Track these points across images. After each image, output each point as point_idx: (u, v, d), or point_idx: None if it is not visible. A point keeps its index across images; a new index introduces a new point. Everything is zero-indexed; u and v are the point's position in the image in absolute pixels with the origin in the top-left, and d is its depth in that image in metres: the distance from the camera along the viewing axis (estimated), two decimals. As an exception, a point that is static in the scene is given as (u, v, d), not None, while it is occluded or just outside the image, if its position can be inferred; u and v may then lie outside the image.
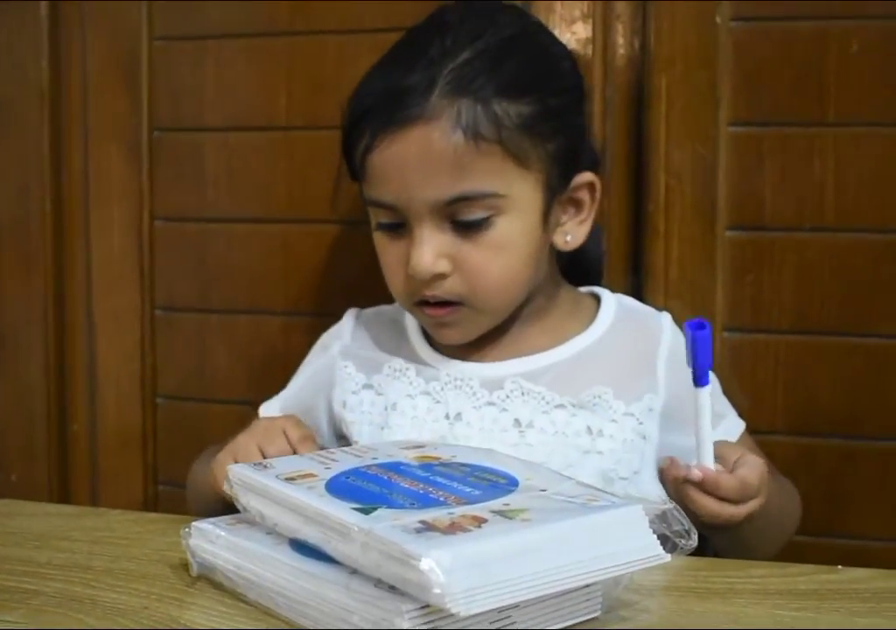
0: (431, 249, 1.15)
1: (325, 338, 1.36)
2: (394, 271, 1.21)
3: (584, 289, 1.32)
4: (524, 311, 1.25)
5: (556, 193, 1.20)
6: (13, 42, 1.61)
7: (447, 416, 1.21)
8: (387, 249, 1.21)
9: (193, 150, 1.58)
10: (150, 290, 1.60)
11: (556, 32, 1.42)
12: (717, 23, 1.38)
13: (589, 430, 1.19)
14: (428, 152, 1.13)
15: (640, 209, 1.41)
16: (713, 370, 1.25)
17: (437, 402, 1.22)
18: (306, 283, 1.54)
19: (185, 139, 1.58)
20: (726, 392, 1.35)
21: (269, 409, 1.33)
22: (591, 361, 1.23)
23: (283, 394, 1.35)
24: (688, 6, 1.39)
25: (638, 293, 1.41)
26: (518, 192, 1.16)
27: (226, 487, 0.94)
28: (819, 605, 0.92)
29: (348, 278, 1.51)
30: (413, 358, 1.27)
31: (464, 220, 1.15)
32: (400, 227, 1.18)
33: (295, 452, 1.10)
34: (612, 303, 1.28)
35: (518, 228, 1.17)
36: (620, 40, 1.43)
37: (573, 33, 1.43)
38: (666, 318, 1.27)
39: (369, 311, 1.36)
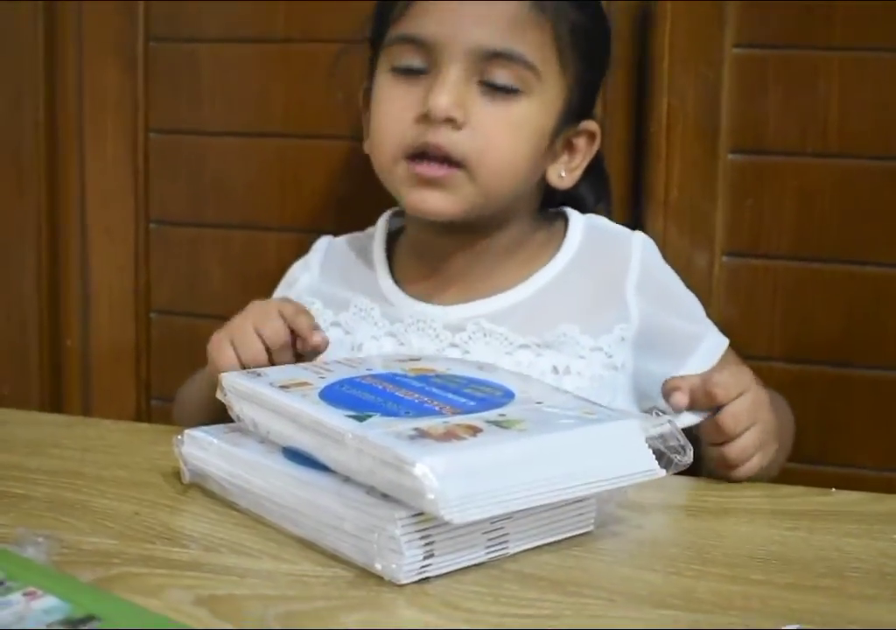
0: (454, 92, 1.12)
1: (295, 269, 1.35)
2: (396, 118, 1.16)
3: (553, 210, 1.30)
4: (493, 244, 1.23)
5: (567, 122, 1.20)
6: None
7: None
8: (394, 94, 1.17)
9: (189, 61, 1.55)
10: (143, 203, 1.58)
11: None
12: (724, -57, 1.36)
13: (555, 369, 1.17)
14: (491, 2, 1.14)
15: (642, 130, 1.39)
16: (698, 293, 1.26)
17: (401, 344, 1.21)
18: (301, 199, 1.52)
19: (181, 50, 1.56)
20: (723, 316, 1.35)
21: None
22: (555, 296, 1.21)
23: None
24: (695, -76, 1.36)
25: (637, 214, 1.40)
26: (549, 85, 1.16)
27: (219, 395, 0.94)
28: (811, 525, 0.92)
29: (344, 195, 1.50)
30: (378, 296, 1.25)
31: (495, 81, 1.14)
32: (420, 72, 1.15)
33: (291, 330, 1.09)
34: (580, 226, 1.26)
35: (535, 119, 1.16)
36: (626, -43, 1.41)
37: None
38: (637, 238, 1.25)
39: (340, 239, 1.35)
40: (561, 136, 1.21)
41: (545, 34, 1.15)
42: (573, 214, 1.27)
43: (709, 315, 1.28)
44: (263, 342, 1.08)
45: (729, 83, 1.37)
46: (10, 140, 1.62)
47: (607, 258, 1.23)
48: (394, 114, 1.16)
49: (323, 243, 1.34)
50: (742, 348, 1.31)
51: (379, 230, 1.31)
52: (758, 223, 1.39)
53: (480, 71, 1.13)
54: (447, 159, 1.13)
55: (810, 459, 1.38)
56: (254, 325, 1.09)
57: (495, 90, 1.14)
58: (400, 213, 1.31)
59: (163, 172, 1.58)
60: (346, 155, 1.49)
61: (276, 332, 1.08)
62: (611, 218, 1.31)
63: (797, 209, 1.38)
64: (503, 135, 1.14)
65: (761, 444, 1.02)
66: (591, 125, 1.24)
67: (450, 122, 1.12)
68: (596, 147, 1.25)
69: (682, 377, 1.03)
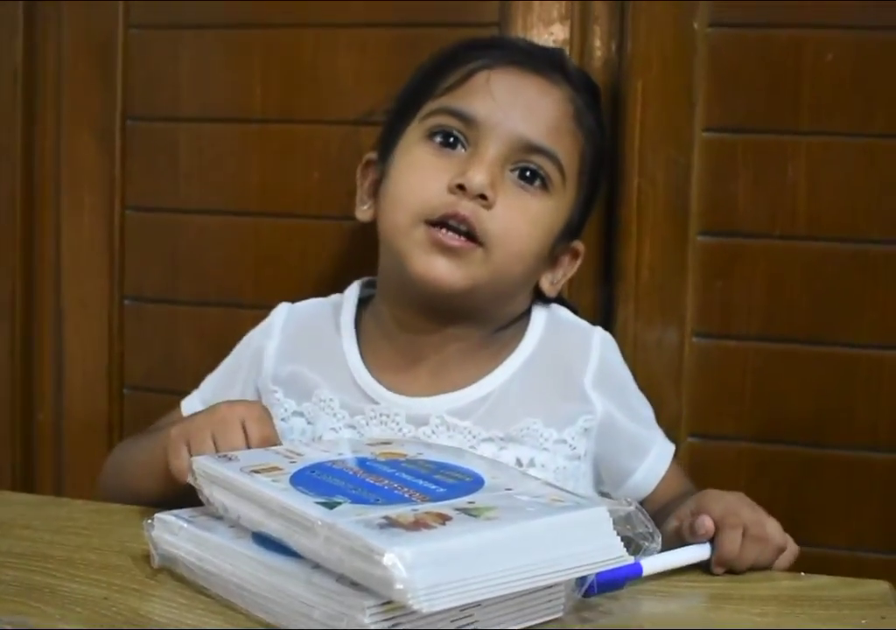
0: (491, 173, 1.15)
1: (255, 337, 1.32)
2: (425, 183, 1.17)
3: None
4: (467, 334, 1.23)
5: (565, 234, 1.24)
6: (-12, 26, 1.59)
7: None
8: (426, 161, 1.19)
9: (167, 140, 1.57)
10: (119, 279, 1.59)
11: (534, 33, 1.43)
12: (694, 28, 1.38)
13: (518, 461, 1.17)
14: (544, 99, 1.20)
15: (613, 212, 1.41)
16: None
17: (362, 436, 1.19)
18: (277, 276, 1.53)
19: (158, 129, 1.57)
20: (693, 396, 1.36)
21: (191, 405, 1.32)
22: (518, 389, 1.21)
23: (206, 387, 1.34)
24: (665, 10, 1.39)
25: (608, 296, 1.41)
26: (567, 191, 1.21)
27: (189, 479, 0.94)
28: (781, 610, 0.92)
29: (319, 273, 1.51)
30: (342, 378, 1.23)
31: (528, 174, 1.18)
32: (456, 143, 1.18)
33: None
34: (542, 318, 1.26)
35: (551, 219, 1.20)
36: (597, 42, 1.43)
37: (550, 34, 1.43)
38: (597, 335, 1.25)
39: (302, 306, 1.33)
40: (558, 246, 1.24)
41: (577, 144, 1.22)
42: (536, 306, 1.28)
43: (679, 395, 1.30)
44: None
45: (699, 166, 1.39)
46: (-14, 214, 1.62)
47: (567, 352, 1.24)
48: (424, 179, 1.17)
49: (283, 311, 1.32)
50: (712, 428, 1.32)
51: (348, 300, 1.30)
52: (728, 304, 1.40)
53: (516, 160, 1.18)
54: (467, 234, 1.15)
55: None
56: (213, 433, 1.05)
57: (526, 181, 1.18)
58: (373, 284, 1.31)
59: (138, 249, 1.59)
60: (321, 233, 1.50)
61: (233, 448, 1.03)
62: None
63: (766, 290, 1.40)
64: (525, 224, 1.17)
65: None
66: (578, 245, 1.28)
67: (481, 198, 1.14)
68: (576, 267, 1.28)
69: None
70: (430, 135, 1.20)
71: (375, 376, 1.22)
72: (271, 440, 1.06)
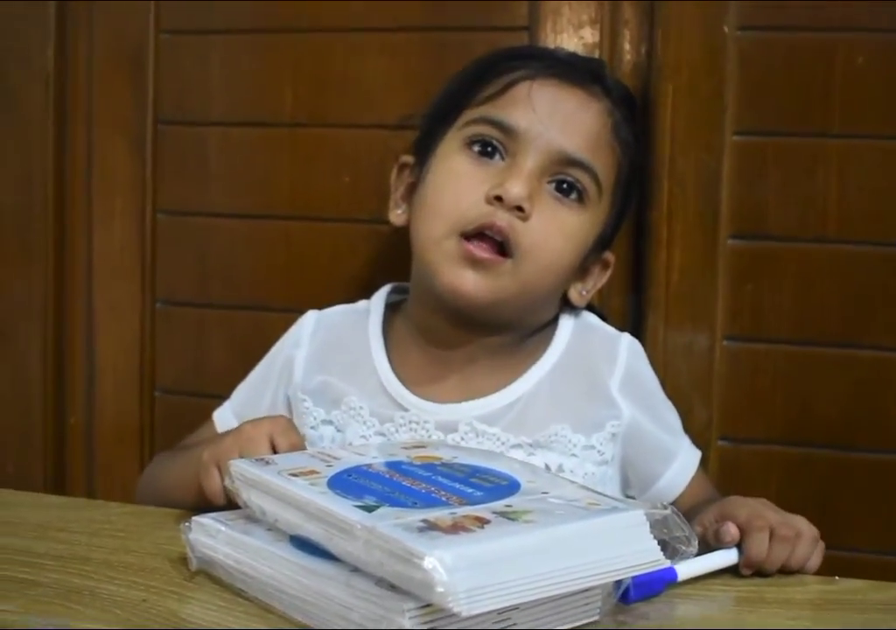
0: (530, 185, 1.15)
1: (285, 346, 1.32)
2: (462, 193, 1.17)
3: None
4: (496, 343, 1.23)
5: (597, 246, 1.24)
6: (20, 30, 1.60)
7: None
8: (463, 170, 1.19)
9: (197, 144, 1.57)
10: (150, 283, 1.59)
11: (563, 36, 1.43)
12: (724, 31, 1.38)
13: (547, 467, 1.17)
14: (584, 112, 1.19)
15: (644, 215, 1.41)
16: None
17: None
18: (307, 280, 1.54)
19: (189, 133, 1.58)
20: (723, 399, 1.36)
21: (222, 417, 1.33)
22: (546, 395, 1.21)
23: (237, 398, 1.34)
24: (695, 13, 1.39)
25: (638, 300, 1.41)
26: (602, 204, 1.21)
27: (227, 482, 0.95)
28: (815, 615, 0.92)
29: (349, 276, 1.51)
30: (371, 385, 1.23)
31: (565, 187, 1.18)
32: (495, 153, 1.18)
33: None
34: (569, 325, 1.26)
35: (585, 232, 1.20)
36: (627, 46, 1.43)
37: (580, 38, 1.43)
38: (624, 341, 1.26)
39: (330, 313, 1.33)
40: (589, 258, 1.24)
41: (614, 158, 1.22)
42: (563, 313, 1.28)
43: (709, 398, 1.29)
44: None
45: (729, 169, 1.39)
46: (18, 218, 1.63)
47: (594, 357, 1.24)
48: (461, 189, 1.17)
49: (311, 319, 1.32)
50: (743, 432, 1.32)
51: (376, 306, 1.30)
52: (758, 308, 1.40)
53: (554, 172, 1.17)
54: (500, 246, 1.15)
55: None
56: (241, 452, 1.05)
57: (563, 194, 1.18)
58: (401, 290, 1.31)
59: (169, 253, 1.59)
60: (351, 237, 1.51)
61: None
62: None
63: (797, 294, 1.39)
64: (559, 237, 1.17)
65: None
66: (609, 256, 1.28)
67: (518, 210, 1.14)
68: (606, 278, 1.29)
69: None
70: (469, 143, 1.19)
71: (405, 383, 1.22)
72: (300, 449, 1.07)
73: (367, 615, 0.78)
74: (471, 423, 1.19)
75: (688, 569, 0.96)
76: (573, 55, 1.29)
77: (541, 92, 1.19)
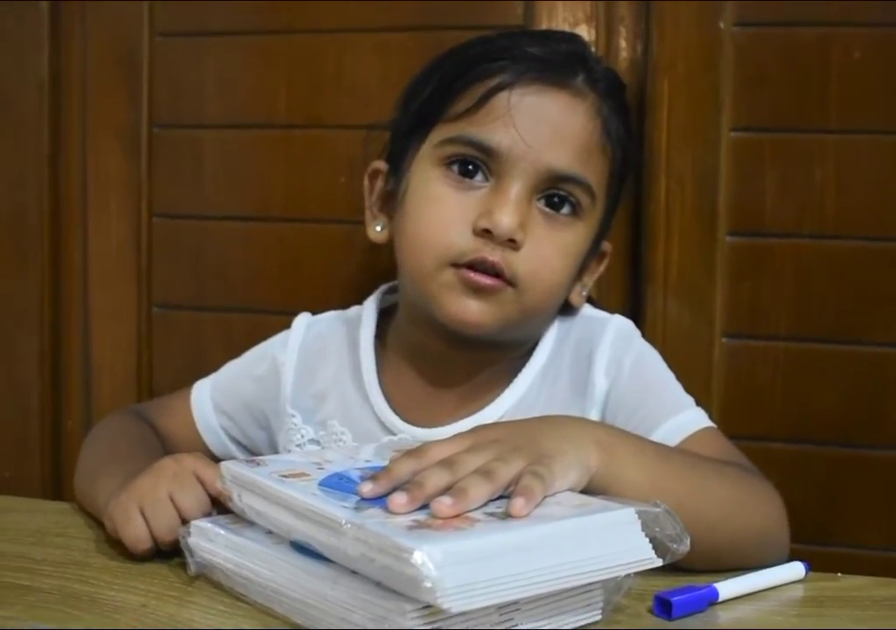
0: (520, 212, 1.09)
1: (274, 348, 1.28)
2: (448, 224, 1.10)
3: None
4: (487, 357, 1.18)
5: (596, 243, 1.20)
6: (14, 35, 1.60)
7: None
8: (446, 197, 1.11)
9: (192, 146, 1.57)
10: (146, 286, 1.59)
11: (559, 35, 1.42)
12: (719, 27, 1.38)
13: None
14: (570, 120, 1.12)
15: (641, 212, 1.41)
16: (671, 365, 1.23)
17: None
18: (303, 282, 1.53)
19: (184, 136, 1.58)
20: (723, 396, 1.35)
21: (201, 391, 1.32)
22: (536, 398, 1.17)
23: (219, 383, 1.31)
24: (690, 10, 1.38)
25: (637, 297, 1.41)
26: (597, 209, 1.16)
27: (218, 484, 0.93)
28: (819, 611, 0.92)
29: (345, 278, 1.51)
30: (360, 407, 1.19)
31: (557, 205, 1.12)
32: (477, 171, 1.11)
33: (211, 498, 0.98)
34: (555, 324, 1.22)
35: (582, 244, 1.15)
36: (623, 43, 1.43)
37: (576, 36, 1.43)
38: (613, 323, 1.20)
39: (322, 320, 1.29)
40: (588, 260, 1.20)
41: (607, 161, 1.15)
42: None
43: (709, 395, 1.29)
44: (179, 512, 0.97)
45: (726, 166, 1.39)
46: (14, 222, 1.63)
47: (577, 345, 1.19)
48: (446, 218, 1.11)
49: (301, 326, 1.28)
50: (743, 429, 1.31)
51: (368, 319, 1.25)
52: (757, 304, 1.40)
53: (544, 189, 1.11)
54: (498, 274, 1.09)
55: (813, 540, 1.38)
56: (169, 491, 0.97)
57: (554, 209, 1.12)
58: (393, 290, 1.27)
59: (166, 256, 1.59)
60: (347, 239, 1.50)
61: (198, 502, 0.97)
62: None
63: (795, 290, 1.39)
64: (556, 259, 1.12)
65: None
66: (606, 246, 1.24)
67: (510, 242, 1.08)
68: (604, 267, 1.25)
69: None
70: (448, 163, 1.12)
71: (397, 409, 1.18)
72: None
73: (367, 616, 0.78)
74: None
75: (730, 588, 0.94)
76: (550, 45, 1.16)
77: (521, 103, 1.10)
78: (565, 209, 1.13)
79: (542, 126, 1.10)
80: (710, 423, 1.17)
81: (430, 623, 0.76)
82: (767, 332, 1.40)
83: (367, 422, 1.19)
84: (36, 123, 1.60)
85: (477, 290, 1.10)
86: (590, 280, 1.23)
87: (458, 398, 1.19)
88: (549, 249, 1.11)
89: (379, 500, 0.84)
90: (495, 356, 1.19)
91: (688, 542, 0.87)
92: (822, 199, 1.37)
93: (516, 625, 0.80)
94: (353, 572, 0.80)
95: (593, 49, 1.37)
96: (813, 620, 0.90)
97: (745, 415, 1.39)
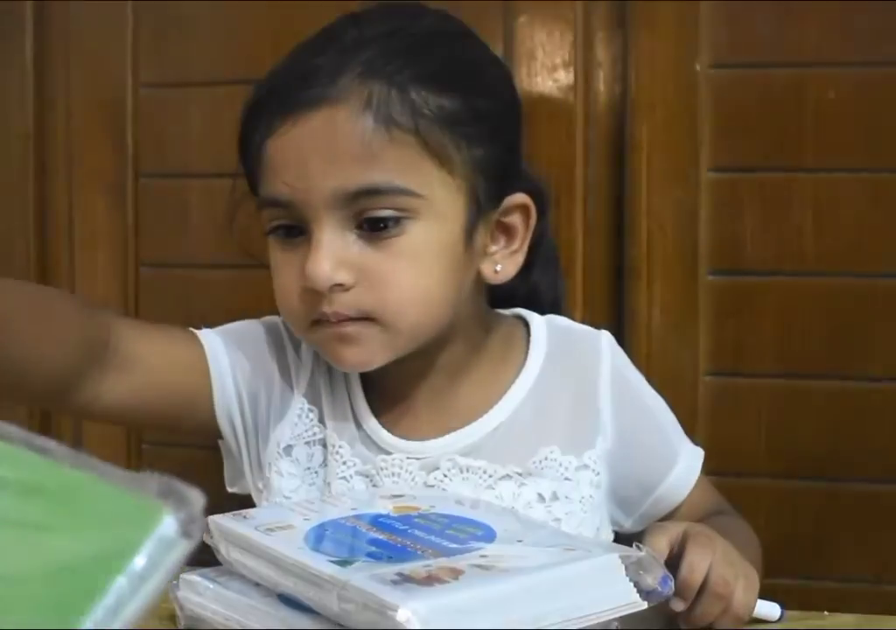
0: (331, 254, 1.02)
1: (284, 339, 1.19)
2: (287, 289, 1.07)
3: (508, 312, 1.21)
4: (450, 360, 1.13)
5: (483, 211, 1.07)
6: (-2, 88, 1.62)
7: None
8: (279, 262, 1.08)
9: (179, 196, 1.58)
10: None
11: (538, 79, 1.44)
12: (696, 69, 1.40)
13: (540, 497, 1.10)
14: (332, 136, 1.01)
15: (623, 254, 1.42)
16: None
17: (373, 485, 1.11)
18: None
19: (170, 185, 1.59)
20: (709, 434, 1.36)
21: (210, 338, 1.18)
22: (531, 416, 1.13)
23: (228, 335, 1.19)
24: (668, 53, 1.40)
25: (620, 337, 1.41)
26: (437, 197, 1.03)
27: (206, 538, 0.92)
28: (805, 652, 0.93)
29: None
30: (350, 420, 1.14)
31: (372, 219, 1.02)
32: (296, 231, 1.05)
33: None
34: (543, 331, 1.16)
35: (435, 239, 1.04)
36: (601, 87, 1.44)
37: (555, 80, 1.44)
38: (604, 338, 1.17)
39: None
40: (480, 228, 1.08)
41: (410, 147, 1.02)
42: (533, 319, 1.18)
43: (694, 433, 1.30)
44: None
45: (706, 206, 1.40)
46: (0, 272, 1.63)
47: (577, 363, 1.15)
48: (286, 288, 1.07)
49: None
50: (729, 466, 1.32)
51: None
52: (740, 342, 1.41)
53: (354, 214, 1.02)
54: (351, 318, 1.04)
55: (801, 575, 1.39)
56: None
57: (376, 229, 1.03)
58: None
59: (153, 306, 1.60)
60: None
61: None
62: (563, 302, 1.29)
63: (778, 327, 1.40)
64: (401, 276, 1.03)
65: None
66: (517, 199, 1.10)
67: (338, 286, 1.02)
68: (533, 220, 1.11)
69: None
70: (271, 229, 1.08)
71: (381, 420, 1.13)
72: None
73: (356, 669, 0.78)
74: (453, 459, 1.10)
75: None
76: (312, 59, 1.05)
77: (282, 144, 1.03)
78: (388, 223, 1.03)
79: (308, 157, 1.02)
80: (699, 460, 1.19)
81: (419, 675, 0.76)
82: (752, 369, 1.41)
83: (359, 437, 1.13)
84: (22, 176, 1.61)
85: (340, 339, 1.05)
86: (517, 244, 1.12)
87: (436, 409, 1.14)
88: (387, 271, 1.03)
89: (362, 550, 0.85)
90: (433, 362, 1.13)
91: (672, 584, 0.88)
92: (801, 236, 1.39)
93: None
94: (342, 626, 0.80)
95: (572, 95, 1.39)
96: (797, 662, 0.90)
97: (732, 452, 1.40)
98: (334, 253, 1.02)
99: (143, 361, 1.10)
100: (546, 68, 1.44)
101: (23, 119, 1.61)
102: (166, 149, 1.59)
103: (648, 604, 0.86)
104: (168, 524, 0.57)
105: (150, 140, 1.59)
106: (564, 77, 1.44)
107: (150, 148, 1.60)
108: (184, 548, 0.57)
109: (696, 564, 0.91)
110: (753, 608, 0.94)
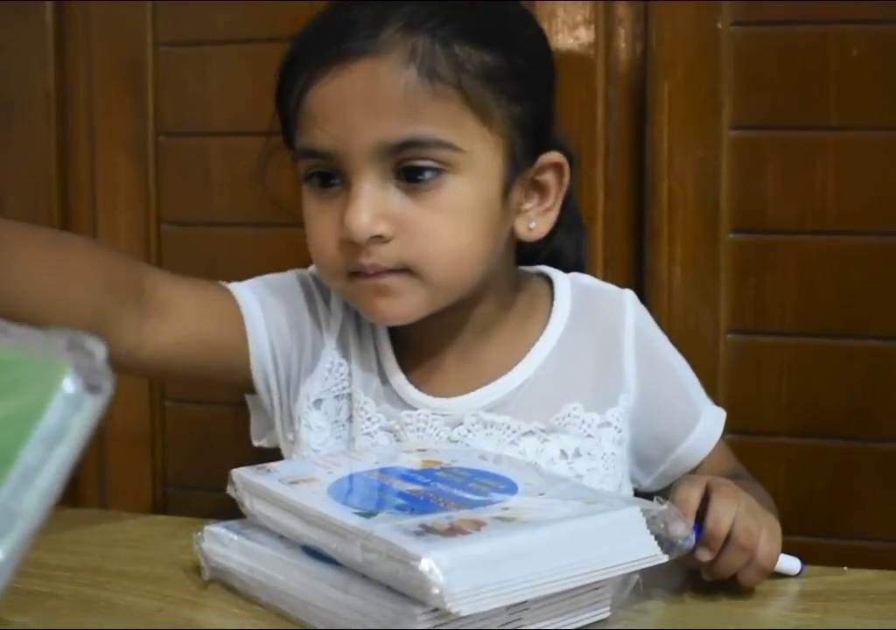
0: (371, 205, 1.02)
1: (306, 279, 1.20)
2: (323, 240, 1.07)
3: (532, 269, 1.21)
4: (479, 317, 1.14)
5: (519, 168, 1.08)
6: (19, 49, 1.62)
7: None
8: (314, 212, 1.08)
9: (199, 154, 1.59)
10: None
11: (559, 37, 1.44)
12: (718, 27, 1.39)
13: (563, 453, 1.11)
14: (374, 88, 1.01)
15: (644, 213, 1.42)
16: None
17: (398, 440, 1.12)
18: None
19: (190, 144, 1.59)
20: (729, 393, 1.36)
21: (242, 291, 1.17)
22: (555, 373, 1.13)
23: (261, 290, 1.18)
24: (689, 11, 1.40)
25: (641, 296, 1.41)
26: (477, 152, 1.04)
27: (229, 490, 0.94)
28: (826, 605, 0.93)
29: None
30: (375, 377, 1.14)
31: (411, 167, 1.02)
32: (333, 180, 1.05)
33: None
34: (567, 289, 1.17)
35: (473, 194, 1.04)
36: (622, 45, 1.44)
37: (576, 38, 1.44)
38: (628, 297, 1.18)
39: None
40: (516, 185, 1.09)
41: (452, 101, 1.02)
42: (557, 277, 1.19)
43: (715, 391, 1.30)
44: None
45: (727, 165, 1.40)
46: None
47: (601, 321, 1.16)
48: (320, 237, 1.08)
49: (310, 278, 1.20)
50: (749, 424, 1.32)
51: None
52: (761, 301, 1.41)
53: (395, 166, 1.02)
54: (388, 270, 1.04)
55: (820, 533, 1.39)
56: None
57: (417, 182, 1.03)
58: None
59: (176, 264, 1.59)
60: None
61: None
62: (586, 264, 1.29)
63: (799, 286, 1.40)
64: (441, 228, 1.04)
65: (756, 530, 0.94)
66: (552, 157, 1.11)
67: (378, 238, 1.03)
68: (567, 178, 1.12)
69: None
70: (308, 177, 1.08)
71: (408, 376, 1.14)
72: None
73: (379, 619, 0.79)
74: (477, 415, 1.11)
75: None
76: (351, 11, 1.05)
77: (323, 96, 1.03)
78: (428, 174, 1.03)
79: (350, 109, 1.02)
80: (721, 420, 1.20)
81: (440, 625, 0.77)
82: (772, 328, 1.41)
83: (385, 393, 1.15)
84: (43, 137, 1.62)
85: (378, 291, 1.05)
86: (550, 201, 1.13)
87: (462, 365, 1.15)
88: (427, 223, 1.03)
89: (386, 502, 0.86)
90: (464, 318, 1.14)
91: (693, 537, 0.89)
92: (823, 195, 1.39)
93: (525, 624, 0.81)
94: (364, 576, 0.81)
95: (593, 52, 1.39)
96: (819, 615, 0.90)
97: (752, 410, 1.41)
98: (374, 204, 1.02)
99: (179, 308, 1.10)
100: (567, 26, 1.44)
101: (43, 79, 1.61)
102: (186, 107, 1.60)
103: (669, 557, 0.87)
104: (71, 381, 0.54)
105: (170, 99, 1.60)
106: (585, 35, 1.44)
107: (171, 107, 1.60)
108: (92, 405, 0.55)
109: (722, 515, 0.91)
110: (777, 560, 0.95)
